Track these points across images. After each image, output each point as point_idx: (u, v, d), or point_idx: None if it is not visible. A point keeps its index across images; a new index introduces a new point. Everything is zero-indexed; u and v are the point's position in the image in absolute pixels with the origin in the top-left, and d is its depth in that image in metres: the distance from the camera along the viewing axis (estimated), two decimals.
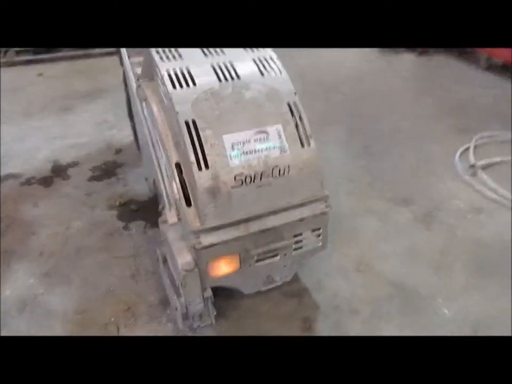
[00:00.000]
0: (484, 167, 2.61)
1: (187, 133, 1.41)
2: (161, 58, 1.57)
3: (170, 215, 1.54)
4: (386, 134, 3.05)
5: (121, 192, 2.44)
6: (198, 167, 1.39)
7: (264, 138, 1.48)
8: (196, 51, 1.63)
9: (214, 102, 1.48)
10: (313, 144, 1.54)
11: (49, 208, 2.32)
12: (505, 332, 1.63)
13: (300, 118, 1.55)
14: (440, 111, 3.33)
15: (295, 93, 1.58)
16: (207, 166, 1.40)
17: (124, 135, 3.04)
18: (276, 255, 1.61)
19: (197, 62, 1.57)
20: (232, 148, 1.44)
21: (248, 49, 1.67)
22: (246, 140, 1.46)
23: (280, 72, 1.62)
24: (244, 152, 1.45)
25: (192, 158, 1.40)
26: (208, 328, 1.62)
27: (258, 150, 1.47)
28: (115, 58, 2.42)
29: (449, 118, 3.24)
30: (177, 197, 1.48)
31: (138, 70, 1.87)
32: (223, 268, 1.55)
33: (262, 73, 1.60)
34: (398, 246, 2.06)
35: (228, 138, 1.44)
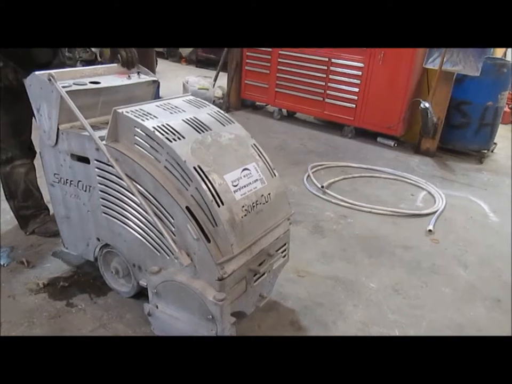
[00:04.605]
0: (327, 187, 3.42)
1: (199, 177, 1.59)
2: (138, 117, 1.69)
3: (183, 258, 1.63)
4: None
5: (35, 274, 2.19)
6: (217, 204, 1.59)
7: (248, 174, 1.78)
8: (159, 110, 1.81)
9: (204, 149, 1.70)
10: (277, 173, 1.92)
11: None
12: (413, 287, 2.31)
13: (263, 155, 1.91)
14: (271, 153, 4.08)
15: (252, 137, 1.95)
16: (222, 203, 1.61)
17: None
18: (265, 273, 1.88)
19: (169, 119, 1.75)
20: (233, 185, 1.69)
21: (195, 106, 1.95)
22: (238, 177, 1.73)
23: (233, 122, 1.96)
24: (240, 187, 1.72)
25: (211, 197, 1.58)
26: None
27: (249, 184, 1.76)
28: None
29: (280, 157, 4.03)
30: (195, 237, 1.60)
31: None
32: (236, 292, 1.73)
33: (222, 124, 1.90)
34: (313, 253, 2.56)
35: (228, 177, 1.69)
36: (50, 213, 2.52)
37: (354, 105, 4.65)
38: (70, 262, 2.30)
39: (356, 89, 4.58)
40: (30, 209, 2.52)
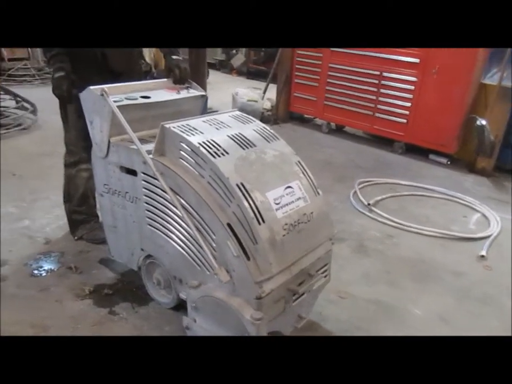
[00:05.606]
0: (374, 205, 3.33)
1: (241, 194, 1.59)
2: (184, 132, 1.72)
3: (223, 275, 1.63)
4: None
5: (82, 280, 2.27)
6: (258, 222, 1.58)
7: (291, 193, 1.76)
8: (206, 125, 1.83)
9: (247, 166, 1.70)
10: (321, 192, 1.89)
11: (4, 315, 1.98)
12: (462, 317, 2.19)
13: (307, 173, 1.89)
14: (318, 168, 4.03)
15: (296, 154, 1.93)
16: (263, 221, 1.60)
17: (40, 225, 2.79)
18: (304, 293, 1.84)
19: (214, 134, 1.77)
20: (275, 203, 1.67)
21: (241, 122, 1.96)
22: (281, 195, 1.72)
23: (278, 139, 1.95)
24: (282, 205, 1.70)
25: (252, 214, 1.58)
26: None
27: (291, 202, 1.74)
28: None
29: (327, 172, 3.98)
30: (235, 254, 1.60)
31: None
32: (274, 311, 1.71)
33: (267, 141, 1.89)
34: (355, 274, 2.49)
35: (270, 195, 1.67)
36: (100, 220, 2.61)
37: (405, 120, 4.52)
38: (115, 270, 2.37)
39: (408, 104, 4.45)
40: (82, 214, 2.63)
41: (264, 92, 5.85)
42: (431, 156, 4.54)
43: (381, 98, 4.64)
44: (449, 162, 4.43)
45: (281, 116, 5.60)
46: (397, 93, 4.50)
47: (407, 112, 4.48)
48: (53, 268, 2.36)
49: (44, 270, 2.35)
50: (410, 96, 4.42)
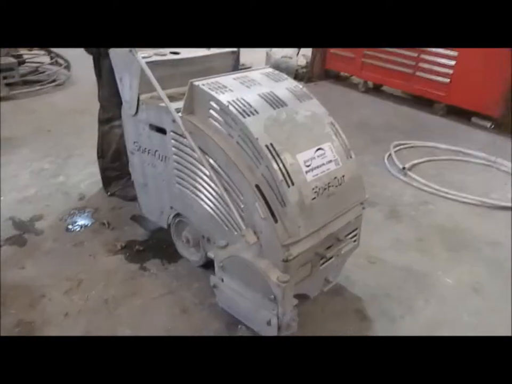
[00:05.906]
0: (409, 168, 3.21)
1: (270, 155, 1.55)
2: (213, 90, 1.67)
3: (249, 236, 1.62)
4: None
5: (114, 236, 2.32)
6: (287, 185, 1.54)
7: (322, 155, 1.70)
8: (236, 83, 1.77)
9: (278, 127, 1.65)
10: (353, 155, 1.82)
11: (41, 267, 2.08)
12: (494, 288, 2.12)
13: (340, 135, 1.81)
14: (352, 128, 3.90)
15: (329, 114, 1.85)
16: (292, 183, 1.56)
17: (75, 181, 2.85)
18: (332, 257, 1.82)
19: (245, 93, 1.71)
20: (305, 165, 1.63)
21: (273, 80, 1.88)
22: (311, 157, 1.66)
23: (311, 98, 1.87)
24: (313, 168, 1.65)
25: (281, 177, 1.54)
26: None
27: (322, 165, 1.68)
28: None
29: (362, 133, 3.85)
30: (263, 216, 1.58)
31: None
32: (301, 274, 1.69)
33: (300, 100, 1.82)
34: (385, 239, 2.43)
35: (301, 157, 1.62)
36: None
37: (448, 80, 4.27)
38: (146, 227, 2.41)
39: (452, 62, 4.20)
40: (115, 171, 2.66)
41: (299, 48, 5.64)
42: (474, 119, 4.31)
43: (422, 56, 4.40)
44: (492, 126, 4.19)
45: (317, 73, 5.42)
46: (440, 50, 4.24)
47: (450, 71, 4.23)
48: (86, 224, 2.42)
49: (78, 225, 2.42)
50: (454, 53, 4.15)
